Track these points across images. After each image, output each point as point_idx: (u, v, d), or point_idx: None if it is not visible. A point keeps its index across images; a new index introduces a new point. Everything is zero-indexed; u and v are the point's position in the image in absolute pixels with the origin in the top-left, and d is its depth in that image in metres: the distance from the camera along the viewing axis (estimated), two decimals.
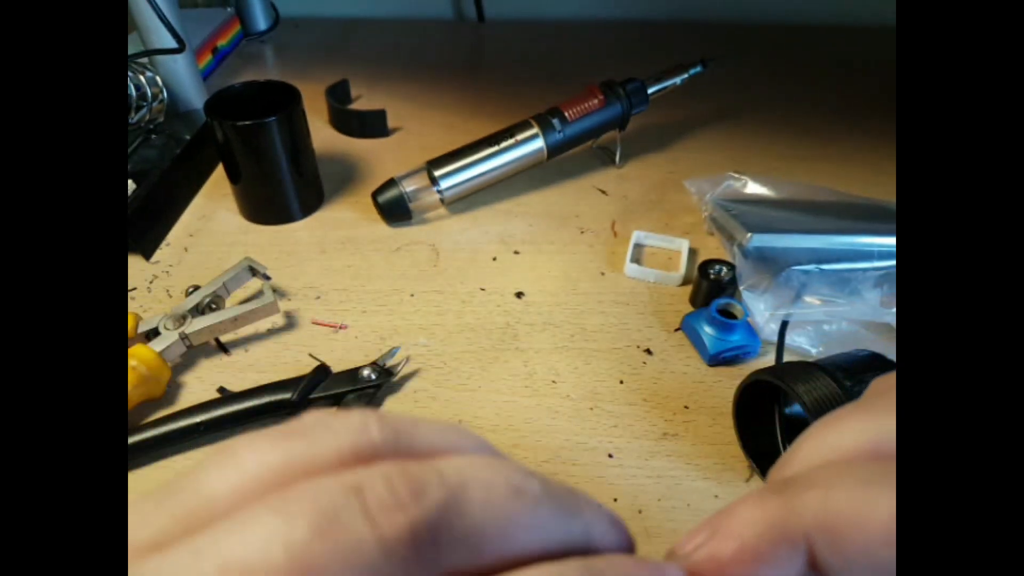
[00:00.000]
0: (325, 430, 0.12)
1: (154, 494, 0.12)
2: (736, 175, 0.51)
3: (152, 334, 0.39)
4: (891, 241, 0.44)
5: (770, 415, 0.35)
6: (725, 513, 0.15)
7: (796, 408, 0.35)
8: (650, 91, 0.55)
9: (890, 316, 0.39)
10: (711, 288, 0.43)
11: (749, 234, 0.44)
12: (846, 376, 0.29)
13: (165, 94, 0.58)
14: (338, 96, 0.66)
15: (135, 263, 0.48)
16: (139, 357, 0.37)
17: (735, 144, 0.62)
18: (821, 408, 0.28)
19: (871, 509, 0.12)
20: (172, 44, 0.56)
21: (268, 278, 0.44)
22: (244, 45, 0.81)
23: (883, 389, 0.16)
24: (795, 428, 0.35)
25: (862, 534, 0.12)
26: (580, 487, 0.35)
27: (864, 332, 0.39)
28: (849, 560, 0.12)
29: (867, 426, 0.15)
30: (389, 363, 0.40)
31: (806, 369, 0.30)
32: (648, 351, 0.42)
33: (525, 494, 0.12)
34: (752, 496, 0.15)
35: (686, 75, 0.56)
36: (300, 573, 0.10)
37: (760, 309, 0.41)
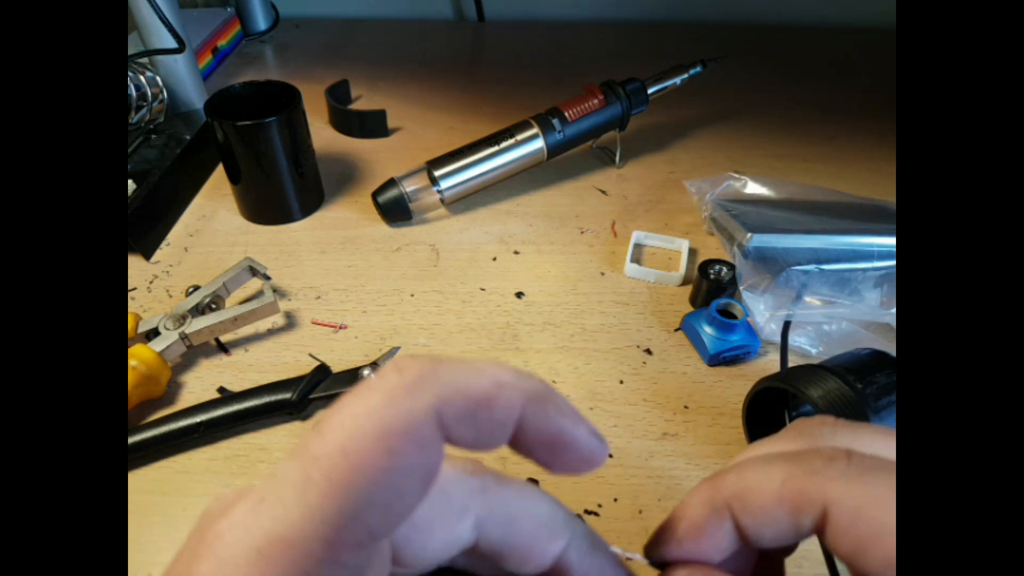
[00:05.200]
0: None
1: None
2: (736, 175, 0.51)
3: (152, 334, 0.39)
4: (891, 241, 0.44)
5: (778, 418, 0.35)
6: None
7: (806, 409, 0.35)
8: (650, 91, 0.55)
9: (890, 316, 0.39)
10: (711, 288, 0.43)
11: (749, 234, 0.44)
12: (856, 378, 0.29)
13: (165, 94, 0.58)
14: (338, 96, 0.66)
15: (135, 263, 0.48)
16: (139, 357, 0.37)
17: (735, 144, 0.62)
18: (836, 411, 0.29)
19: (765, 477, 0.16)
20: (172, 44, 0.56)
21: (268, 278, 0.44)
22: (244, 45, 0.81)
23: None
24: None
25: (760, 496, 0.16)
26: (580, 487, 0.35)
27: (864, 332, 0.39)
28: (754, 518, 0.16)
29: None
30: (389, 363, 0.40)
31: (816, 373, 0.31)
32: (648, 351, 0.42)
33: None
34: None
35: (686, 75, 0.56)
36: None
37: (760, 309, 0.41)
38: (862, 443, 0.17)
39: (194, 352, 0.41)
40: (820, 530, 0.15)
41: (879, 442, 0.17)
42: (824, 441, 0.17)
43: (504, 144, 0.52)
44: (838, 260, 0.43)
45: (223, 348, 0.42)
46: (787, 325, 0.39)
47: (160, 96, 0.57)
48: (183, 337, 0.39)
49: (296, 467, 0.13)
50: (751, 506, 0.16)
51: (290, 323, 0.44)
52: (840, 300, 0.40)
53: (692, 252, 0.49)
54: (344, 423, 0.13)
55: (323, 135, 0.64)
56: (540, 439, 0.15)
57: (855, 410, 0.28)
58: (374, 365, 0.39)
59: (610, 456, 0.36)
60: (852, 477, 0.15)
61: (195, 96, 0.61)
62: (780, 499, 0.16)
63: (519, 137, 0.52)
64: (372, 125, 0.63)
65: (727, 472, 0.17)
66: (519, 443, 0.15)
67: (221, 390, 0.39)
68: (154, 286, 0.46)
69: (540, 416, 0.15)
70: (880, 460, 0.15)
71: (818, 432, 0.18)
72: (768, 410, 0.35)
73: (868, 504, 0.14)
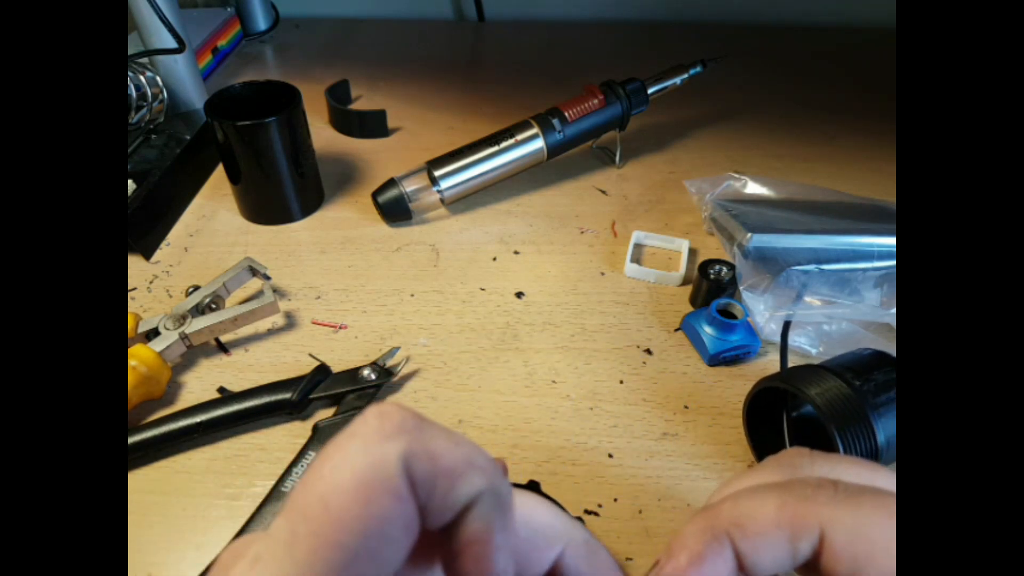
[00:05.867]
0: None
1: None
2: (736, 175, 0.51)
3: (152, 334, 0.39)
4: (891, 241, 0.44)
5: (777, 419, 0.35)
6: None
7: (806, 409, 0.35)
8: (650, 91, 0.55)
9: (890, 316, 0.39)
10: (711, 288, 0.43)
11: (749, 234, 0.44)
12: (855, 376, 0.29)
13: (165, 94, 0.58)
14: (338, 96, 0.66)
15: (135, 263, 0.48)
16: (139, 357, 0.37)
17: (735, 144, 0.62)
18: (834, 409, 0.28)
19: (760, 505, 0.17)
20: (172, 44, 0.56)
21: (268, 278, 0.44)
22: (244, 45, 0.81)
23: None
24: (804, 428, 0.35)
25: (758, 523, 0.17)
26: (580, 487, 0.35)
27: (864, 332, 0.39)
28: (753, 543, 0.17)
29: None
30: (389, 363, 0.40)
31: (814, 372, 0.31)
32: (648, 351, 0.42)
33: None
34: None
35: (686, 75, 0.56)
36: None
37: (760, 309, 0.41)
38: (838, 472, 0.17)
39: (194, 352, 0.41)
40: (816, 556, 0.16)
41: (853, 471, 0.17)
42: (804, 471, 0.18)
43: (504, 144, 0.52)
44: (838, 260, 0.43)
45: (223, 348, 0.42)
46: (787, 325, 0.39)
47: (160, 96, 0.57)
48: (183, 337, 0.39)
49: (285, 523, 0.13)
50: (750, 532, 0.17)
51: (290, 323, 0.44)
52: (840, 300, 0.40)
53: (692, 252, 0.49)
54: (324, 474, 0.13)
55: (323, 135, 0.64)
56: (469, 533, 0.14)
57: (853, 407, 0.28)
58: (374, 365, 0.39)
59: (610, 456, 0.36)
60: (842, 501, 0.15)
61: (195, 96, 0.61)
62: (778, 524, 0.16)
63: (519, 137, 0.52)
64: (372, 125, 0.63)
65: (721, 503, 0.18)
66: (447, 525, 0.14)
67: (221, 390, 0.39)
68: (154, 286, 0.46)
69: (485, 513, 0.14)
70: (864, 486, 0.16)
71: (797, 463, 0.18)
72: (767, 411, 0.35)
73: (863, 525, 0.15)
